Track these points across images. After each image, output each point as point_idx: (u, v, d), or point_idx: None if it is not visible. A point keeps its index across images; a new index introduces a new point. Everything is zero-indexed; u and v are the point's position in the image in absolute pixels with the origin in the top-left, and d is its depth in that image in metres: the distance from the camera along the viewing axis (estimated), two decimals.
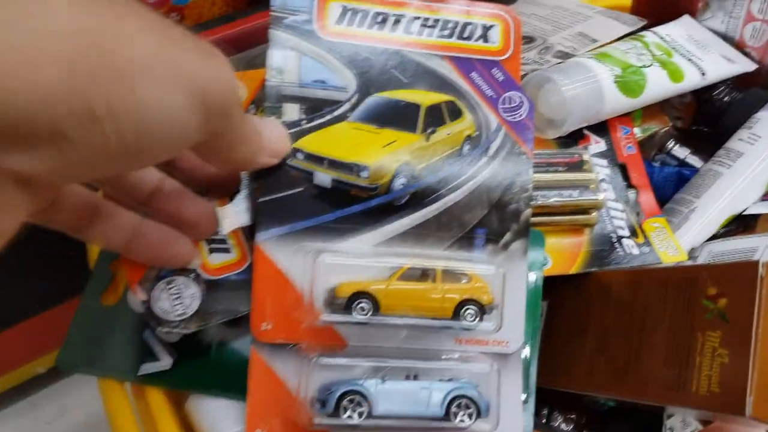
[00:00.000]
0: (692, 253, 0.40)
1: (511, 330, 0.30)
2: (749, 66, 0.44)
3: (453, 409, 0.29)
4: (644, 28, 0.45)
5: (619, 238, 0.39)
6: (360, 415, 0.28)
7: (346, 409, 0.28)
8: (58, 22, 0.16)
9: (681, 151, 0.47)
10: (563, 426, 0.37)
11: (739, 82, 0.45)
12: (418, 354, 0.30)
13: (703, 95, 0.45)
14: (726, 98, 0.44)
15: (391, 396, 0.28)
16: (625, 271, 0.37)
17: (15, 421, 0.57)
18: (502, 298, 0.30)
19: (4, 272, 0.47)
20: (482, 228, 0.30)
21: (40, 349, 0.55)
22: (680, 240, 0.40)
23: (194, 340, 0.32)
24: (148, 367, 0.31)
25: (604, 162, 0.41)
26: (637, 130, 0.44)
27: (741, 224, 0.41)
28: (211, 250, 0.31)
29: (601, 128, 0.42)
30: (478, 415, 0.29)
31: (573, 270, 0.37)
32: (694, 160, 0.46)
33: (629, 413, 0.37)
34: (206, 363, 0.32)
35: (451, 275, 0.29)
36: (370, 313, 0.28)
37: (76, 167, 0.18)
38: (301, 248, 0.29)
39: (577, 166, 0.38)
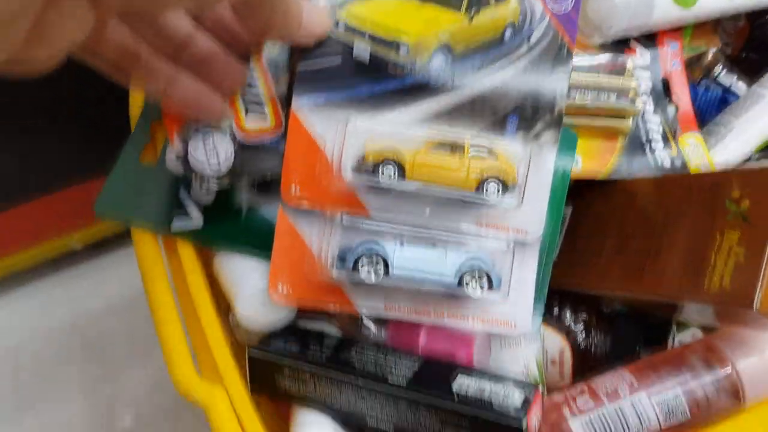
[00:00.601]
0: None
1: (532, 219, 0.31)
2: None
3: (466, 278, 0.30)
4: None
5: (653, 148, 0.39)
6: (377, 273, 0.29)
7: (364, 267, 0.29)
8: None
9: (727, 78, 0.46)
10: (573, 323, 0.38)
11: None
12: (439, 227, 0.30)
13: (757, 19, 0.44)
14: None
15: (408, 259, 0.29)
16: (653, 178, 0.37)
17: (49, 293, 0.59)
18: (525, 183, 0.30)
19: (47, 138, 0.49)
20: (515, 116, 0.31)
21: (76, 223, 0.57)
22: (714, 158, 0.39)
23: (226, 203, 0.33)
24: (180, 224, 0.33)
25: (647, 75, 0.41)
26: (685, 48, 0.43)
27: None
28: (248, 114, 0.32)
29: (649, 40, 0.41)
30: (490, 286, 0.30)
31: (602, 175, 0.37)
32: (740, 88, 0.45)
33: (638, 318, 0.38)
34: (236, 225, 0.33)
35: (478, 152, 0.30)
36: (395, 177, 0.29)
37: None
38: (335, 117, 0.30)
39: (619, 72, 0.38)
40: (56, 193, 0.52)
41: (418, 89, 0.31)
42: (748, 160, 0.41)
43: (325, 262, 0.30)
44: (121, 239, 0.60)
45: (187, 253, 0.34)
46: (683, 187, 0.34)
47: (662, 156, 0.38)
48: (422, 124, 0.30)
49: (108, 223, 0.58)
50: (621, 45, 0.40)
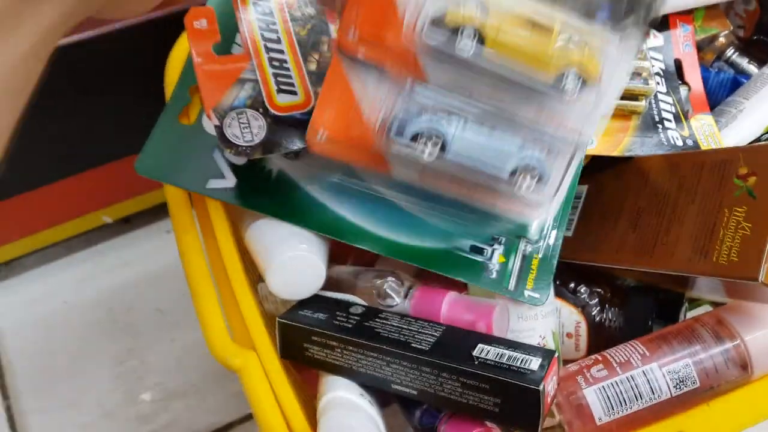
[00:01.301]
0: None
1: (590, 119, 0.29)
2: None
3: (519, 173, 0.29)
4: None
5: (665, 127, 0.40)
6: (431, 153, 0.28)
7: (422, 144, 0.28)
8: None
9: (740, 60, 0.47)
10: (588, 298, 0.40)
11: None
12: (502, 112, 0.28)
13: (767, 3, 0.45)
14: None
15: (466, 145, 0.28)
16: (665, 155, 0.38)
17: (79, 266, 0.61)
18: (604, 83, 0.28)
19: (82, 116, 0.51)
20: (608, 3, 0.28)
21: (108, 199, 0.59)
22: (725, 138, 0.41)
23: (258, 166, 0.35)
24: (214, 183, 0.35)
25: (660, 56, 0.42)
26: (696, 30, 0.44)
27: None
28: (279, 91, 0.34)
29: (661, 23, 0.42)
30: (539, 182, 0.29)
31: (616, 152, 0.39)
32: (752, 69, 0.46)
33: (651, 290, 0.39)
34: (266, 186, 0.35)
35: (566, 40, 0.27)
36: (473, 47, 0.26)
37: None
38: None
39: None
40: (89, 171, 0.54)
41: None
42: (759, 139, 0.42)
43: (375, 125, 0.28)
44: (150, 214, 0.62)
45: (220, 224, 0.35)
46: (694, 164, 0.35)
47: (674, 135, 0.40)
48: None
49: (138, 198, 0.60)
50: None
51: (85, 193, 0.56)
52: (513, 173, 0.29)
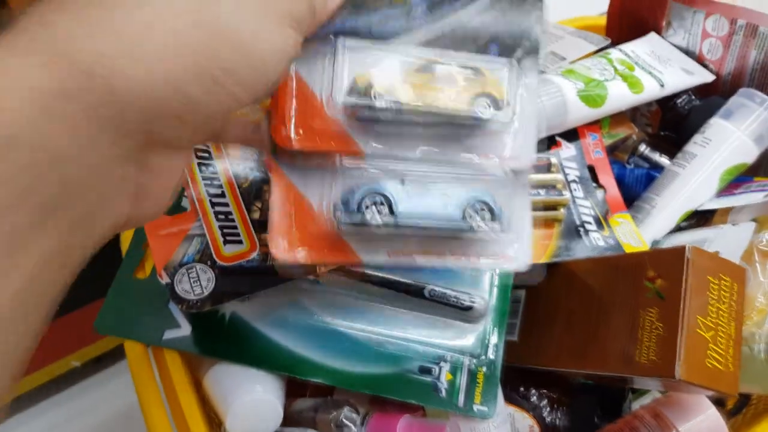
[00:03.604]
0: (654, 245, 0.45)
1: (524, 144, 0.31)
2: (707, 77, 0.49)
3: (468, 212, 0.30)
4: (613, 44, 0.50)
5: (587, 230, 0.43)
6: (381, 213, 0.29)
7: (368, 209, 0.29)
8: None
9: (652, 154, 0.52)
10: (538, 401, 0.42)
11: (700, 91, 0.49)
12: (436, 161, 0.30)
13: (667, 103, 0.50)
14: (687, 106, 0.49)
15: (411, 198, 0.29)
16: (588, 259, 0.41)
17: (48, 413, 0.61)
18: (514, 102, 0.30)
19: None
20: (495, 43, 0.31)
21: (76, 344, 0.60)
22: (643, 233, 0.44)
23: (211, 312, 0.37)
24: (170, 333, 0.37)
25: (574, 165, 0.46)
26: (605, 136, 0.48)
27: (699, 219, 0.46)
28: (226, 242, 0.37)
29: (571, 135, 0.47)
30: (492, 218, 0.30)
31: (543, 259, 0.42)
32: (664, 162, 0.51)
33: (596, 388, 0.41)
34: (219, 331, 0.37)
35: (467, 73, 0.29)
36: (389, 102, 0.28)
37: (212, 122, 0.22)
38: (321, 52, 0.29)
39: (545, 168, 0.43)
40: (57, 320, 0.56)
41: (399, 18, 0.29)
42: (678, 230, 0.46)
43: (326, 211, 0.30)
44: (120, 352, 0.62)
45: (178, 375, 0.37)
46: (611, 267, 0.38)
47: (596, 237, 0.43)
48: (408, 51, 0.30)
49: (105, 340, 0.61)
50: (548, 141, 0.46)
51: (53, 342, 0.57)
52: (464, 216, 0.30)
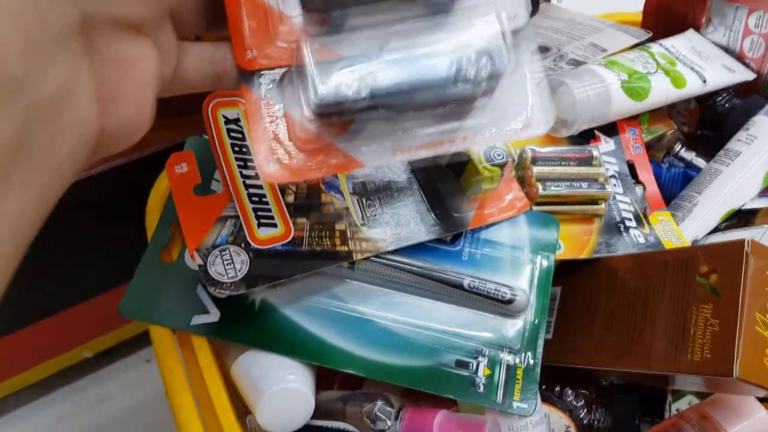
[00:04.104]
0: (695, 244, 0.43)
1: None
2: (748, 75, 0.48)
3: (464, 65, 0.25)
4: (651, 40, 0.49)
5: (627, 227, 0.42)
6: (365, 88, 0.25)
7: (349, 87, 0.24)
8: None
9: (687, 154, 0.50)
10: (575, 401, 0.40)
11: (739, 89, 0.48)
12: (420, 28, 0.26)
13: (706, 101, 0.49)
14: (727, 104, 0.48)
15: (392, 64, 0.25)
16: (630, 255, 0.40)
17: (58, 404, 0.59)
18: None
19: (55, 259, 0.52)
20: None
21: (88, 334, 0.59)
22: (684, 232, 0.43)
23: (241, 297, 0.35)
24: (198, 319, 0.35)
25: (613, 160, 0.45)
26: (644, 132, 0.47)
27: (741, 219, 0.44)
28: (260, 225, 0.35)
29: (611, 129, 0.46)
30: (493, 67, 0.25)
31: (584, 255, 0.41)
32: (700, 162, 0.50)
33: (634, 388, 0.40)
34: (249, 318, 0.35)
35: None
36: None
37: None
38: None
39: (588, 161, 0.42)
40: (69, 309, 0.54)
41: None
42: (717, 229, 0.44)
43: (309, 111, 0.25)
44: (129, 345, 0.61)
45: (206, 361, 0.36)
46: (658, 263, 0.37)
47: (636, 234, 0.42)
48: None
49: (118, 331, 0.59)
50: (587, 134, 0.45)
51: (65, 331, 0.56)
52: (458, 71, 0.25)
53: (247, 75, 0.26)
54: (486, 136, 0.27)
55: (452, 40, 0.25)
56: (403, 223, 0.37)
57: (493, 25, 0.26)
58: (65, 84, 0.18)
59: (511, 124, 0.27)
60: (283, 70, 0.27)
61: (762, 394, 0.32)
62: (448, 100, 0.26)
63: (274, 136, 0.26)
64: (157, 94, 0.22)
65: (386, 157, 0.27)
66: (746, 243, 0.31)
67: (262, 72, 0.26)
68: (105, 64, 0.19)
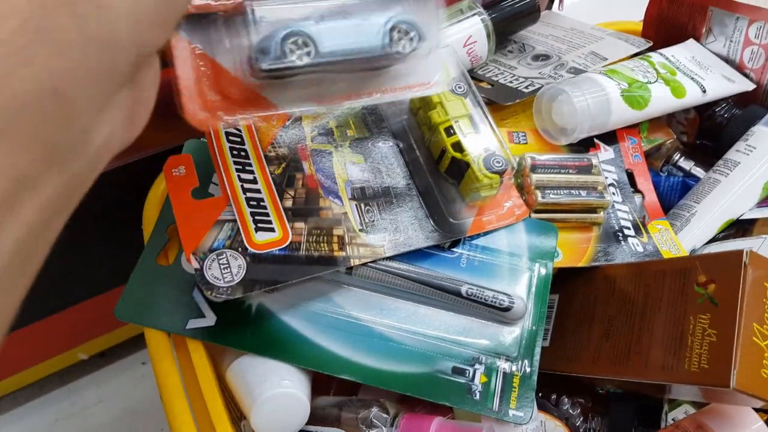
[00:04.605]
0: (693, 254, 0.43)
1: None
2: (748, 85, 0.48)
3: (394, 35, 0.28)
4: (652, 49, 0.49)
5: (625, 236, 0.42)
6: (307, 54, 0.27)
7: (292, 52, 0.27)
8: None
9: (686, 163, 0.50)
10: (571, 409, 0.40)
11: (739, 99, 0.48)
12: None
13: (705, 111, 0.49)
14: (726, 114, 0.48)
15: (332, 32, 0.28)
16: (628, 264, 0.40)
17: (54, 406, 0.59)
18: None
19: (52, 260, 0.52)
20: None
21: (84, 336, 0.58)
22: (682, 241, 0.43)
23: (237, 302, 0.35)
24: (194, 323, 0.35)
25: (612, 168, 0.45)
26: (643, 141, 0.47)
27: (739, 228, 0.44)
28: (257, 229, 0.35)
29: (610, 138, 0.46)
30: (419, 39, 0.29)
31: (582, 263, 0.41)
32: (698, 172, 0.50)
33: (631, 397, 0.40)
34: (246, 322, 0.35)
35: None
36: None
37: None
38: None
39: (587, 169, 0.42)
40: (66, 310, 0.54)
41: None
42: (715, 239, 0.44)
43: (242, 66, 0.27)
44: (125, 347, 0.61)
45: (201, 364, 0.35)
46: (656, 272, 0.37)
47: (634, 243, 0.42)
48: None
49: (114, 332, 0.59)
50: (586, 143, 0.45)
51: (62, 333, 0.55)
52: (389, 41, 0.28)
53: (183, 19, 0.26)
54: (397, 92, 0.30)
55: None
56: (402, 229, 0.37)
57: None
58: (113, 131, 0.18)
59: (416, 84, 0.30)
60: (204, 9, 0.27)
61: (759, 404, 0.32)
62: (377, 64, 0.29)
63: (201, 80, 0.27)
64: None
65: (304, 105, 0.29)
66: (745, 253, 0.31)
67: (194, 16, 0.27)
68: (141, 88, 0.20)
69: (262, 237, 0.35)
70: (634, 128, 0.46)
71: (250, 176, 0.37)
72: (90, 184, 0.19)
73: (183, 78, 0.27)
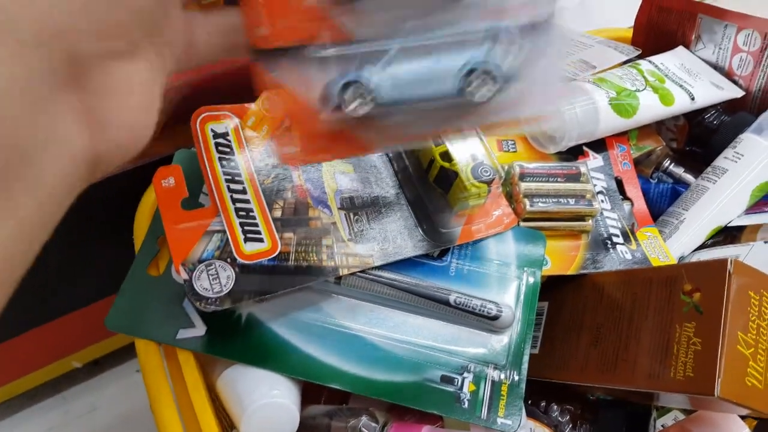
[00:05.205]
0: (681, 261, 0.44)
1: None
2: (737, 92, 0.48)
3: (471, 80, 0.24)
4: (641, 57, 0.49)
5: (614, 244, 0.42)
6: (366, 104, 0.24)
7: (349, 101, 0.24)
8: None
9: (676, 170, 0.51)
10: (560, 417, 0.40)
11: (728, 106, 0.49)
12: (430, 28, 0.24)
13: (694, 118, 0.49)
14: (715, 121, 0.48)
15: (397, 78, 0.24)
16: (617, 271, 0.40)
17: (46, 415, 0.59)
18: None
19: (45, 269, 0.52)
20: None
21: (77, 344, 0.58)
22: (670, 248, 0.43)
23: (227, 312, 0.35)
24: (184, 333, 0.35)
25: (601, 176, 0.45)
26: (633, 148, 0.47)
27: (727, 235, 0.45)
28: (246, 240, 0.35)
29: (599, 145, 0.46)
30: (500, 81, 0.24)
31: (570, 271, 0.41)
32: (688, 178, 0.50)
33: (620, 404, 0.40)
34: (236, 332, 0.36)
35: None
36: None
37: None
38: None
39: (575, 177, 0.42)
40: (60, 318, 0.54)
41: None
42: (704, 245, 0.45)
43: (311, 105, 0.25)
44: (119, 355, 0.61)
45: (191, 374, 0.36)
46: (643, 280, 0.37)
47: (623, 250, 0.42)
48: None
49: (108, 340, 0.59)
50: (575, 151, 0.45)
51: (55, 341, 0.56)
52: (463, 86, 0.24)
53: (259, 53, 0.25)
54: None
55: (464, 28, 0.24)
56: (391, 238, 0.38)
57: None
58: (49, 123, 0.18)
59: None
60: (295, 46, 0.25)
61: (744, 412, 0.32)
62: (454, 109, 0.25)
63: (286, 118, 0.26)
64: (160, 112, 0.23)
65: (390, 144, 0.27)
66: (729, 262, 0.32)
67: (275, 50, 0.25)
68: (94, 94, 0.20)
69: (251, 247, 0.35)
70: (623, 136, 0.47)
71: (239, 186, 0.37)
72: (68, 194, 0.20)
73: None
